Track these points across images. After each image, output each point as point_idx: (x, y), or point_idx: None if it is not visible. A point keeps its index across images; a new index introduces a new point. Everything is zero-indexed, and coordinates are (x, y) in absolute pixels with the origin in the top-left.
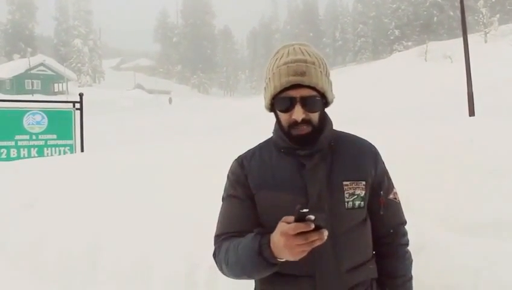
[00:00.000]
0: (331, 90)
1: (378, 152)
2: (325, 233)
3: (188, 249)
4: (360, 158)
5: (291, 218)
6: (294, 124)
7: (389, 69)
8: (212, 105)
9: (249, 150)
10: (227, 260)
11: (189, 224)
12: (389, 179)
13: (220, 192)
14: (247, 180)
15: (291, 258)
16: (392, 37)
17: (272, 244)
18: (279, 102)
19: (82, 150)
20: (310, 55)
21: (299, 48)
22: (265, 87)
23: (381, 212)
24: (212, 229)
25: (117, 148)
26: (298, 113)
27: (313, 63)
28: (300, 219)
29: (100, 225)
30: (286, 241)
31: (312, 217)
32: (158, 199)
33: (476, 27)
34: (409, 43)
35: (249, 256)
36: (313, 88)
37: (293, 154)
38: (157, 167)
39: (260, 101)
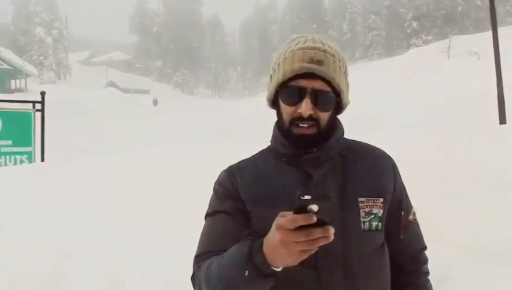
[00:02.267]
0: (348, 93)
1: (395, 165)
2: (331, 231)
3: (160, 274)
4: (376, 171)
5: (290, 212)
6: (299, 119)
7: (405, 67)
8: (198, 108)
9: (241, 160)
10: (208, 276)
11: (162, 247)
12: (407, 196)
13: (200, 211)
14: (238, 193)
15: (289, 262)
16: (409, 30)
17: (265, 249)
18: (285, 91)
19: (42, 160)
20: (330, 47)
21: (319, 39)
22: (271, 75)
23: (402, 236)
24: (188, 253)
25: (85, 158)
26: (306, 107)
27: (333, 55)
28: (301, 209)
29: (60, 250)
30: (283, 237)
31: (315, 207)
32: (128, 221)
33: (507, 19)
34: (429, 37)
35: (235, 264)
36: (328, 83)
37: (296, 163)
38: (129, 182)
39: (255, 103)
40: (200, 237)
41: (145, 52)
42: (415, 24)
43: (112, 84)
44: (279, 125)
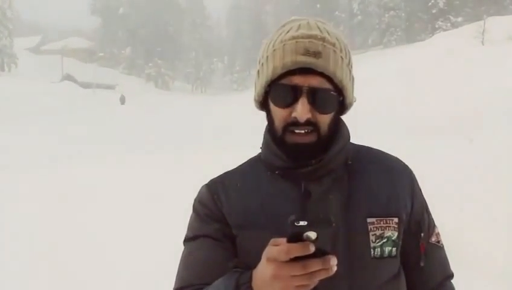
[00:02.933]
0: (353, 89)
1: (414, 176)
2: (333, 261)
3: None
4: (390, 183)
5: (283, 240)
6: (294, 124)
7: (429, 55)
8: (175, 106)
9: (225, 173)
10: None
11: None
12: (429, 213)
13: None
14: (223, 215)
15: None
16: (434, 10)
17: (254, 283)
18: (276, 91)
19: None
20: (329, 34)
21: (316, 23)
22: (258, 71)
23: (422, 263)
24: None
25: (34, 168)
26: (302, 110)
27: (333, 44)
28: (296, 237)
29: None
30: (275, 271)
31: (313, 234)
32: (79, 242)
33: None
34: (459, 19)
35: None
36: (329, 78)
37: (293, 177)
38: (79, 200)
39: (245, 100)
40: (179, 266)
41: (109, 38)
42: (441, 3)
43: (69, 77)
44: (270, 131)
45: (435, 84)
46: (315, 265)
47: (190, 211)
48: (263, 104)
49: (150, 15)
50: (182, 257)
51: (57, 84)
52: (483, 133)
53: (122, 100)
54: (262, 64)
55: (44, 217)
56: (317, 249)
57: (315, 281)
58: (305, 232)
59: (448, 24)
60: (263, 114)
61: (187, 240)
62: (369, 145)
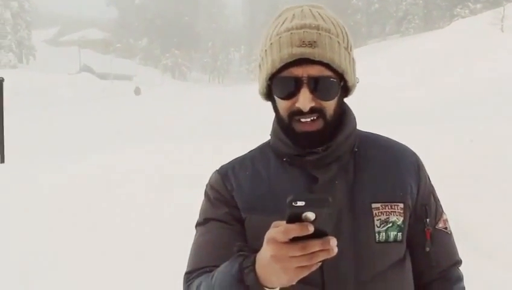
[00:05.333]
0: (354, 71)
1: (421, 162)
2: (333, 242)
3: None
4: (396, 170)
5: (283, 222)
6: (298, 114)
7: (447, 43)
8: (193, 96)
9: (235, 159)
10: None
11: (138, 263)
12: (437, 200)
13: (187, 222)
14: (233, 198)
15: (285, 281)
16: None
17: (257, 266)
18: (277, 84)
19: (2, 161)
20: (324, 20)
21: (309, 10)
22: (260, 64)
23: (427, 249)
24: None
25: (53, 159)
26: (304, 100)
27: (328, 31)
28: (294, 218)
29: (22, 270)
30: (275, 252)
31: (311, 215)
32: (100, 233)
33: None
34: (478, 6)
35: (224, 286)
36: (327, 65)
37: (300, 163)
38: (103, 189)
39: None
40: (191, 250)
41: (126, 29)
42: None
43: (86, 68)
44: (278, 120)
45: (454, 72)
46: (314, 246)
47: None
48: (269, 95)
49: (166, 5)
50: (193, 241)
51: (75, 76)
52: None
53: (137, 92)
54: (262, 58)
55: (80, 206)
56: (316, 230)
57: (315, 262)
58: (303, 212)
59: (467, 11)
60: None
61: (198, 224)
62: (374, 132)
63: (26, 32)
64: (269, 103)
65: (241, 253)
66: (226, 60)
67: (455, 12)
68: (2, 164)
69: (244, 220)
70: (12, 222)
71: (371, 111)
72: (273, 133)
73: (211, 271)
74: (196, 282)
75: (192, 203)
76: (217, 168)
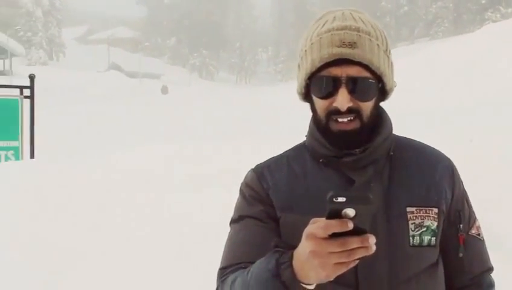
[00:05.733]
0: (392, 74)
1: (455, 167)
2: (371, 240)
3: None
4: (431, 175)
5: (323, 219)
6: (336, 113)
7: (477, 47)
8: (220, 96)
9: (271, 158)
10: None
11: (172, 260)
12: (470, 206)
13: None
14: (269, 197)
15: (323, 277)
16: (483, 1)
17: (295, 262)
18: (316, 83)
19: (32, 156)
20: (364, 23)
21: (350, 14)
22: (299, 64)
23: (460, 254)
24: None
25: (82, 155)
26: (343, 100)
27: (368, 33)
28: (334, 214)
29: (51, 268)
30: (314, 247)
31: (351, 211)
32: (135, 232)
33: None
34: (509, 10)
35: (260, 281)
36: (366, 67)
37: (336, 165)
38: (134, 186)
39: (289, 91)
40: (225, 247)
41: (155, 28)
42: None
43: (115, 66)
44: (315, 120)
45: (484, 77)
46: (353, 242)
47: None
48: (306, 96)
49: (195, 5)
50: (227, 237)
51: (104, 74)
52: None
53: (164, 90)
54: (302, 57)
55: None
56: (355, 227)
57: (353, 259)
58: (343, 209)
59: (498, 15)
60: (308, 104)
61: (233, 222)
62: (408, 137)
63: (56, 30)
64: (297, 105)
65: (277, 249)
66: (254, 60)
67: (486, 16)
68: (32, 159)
69: (279, 218)
70: (40, 216)
71: (398, 115)
72: (310, 134)
73: (245, 267)
74: (231, 277)
75: (223, 202)
76: (252, 168)
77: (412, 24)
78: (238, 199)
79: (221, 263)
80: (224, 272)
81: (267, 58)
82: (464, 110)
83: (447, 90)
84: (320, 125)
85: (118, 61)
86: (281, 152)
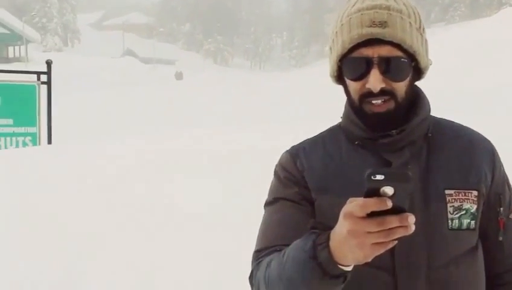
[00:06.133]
0: (426, 52)
1: (495, 150)
2: (411, 219)
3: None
4: (470, 157)
5: (360, 198)
6: (369, 95)
7: (495, 31)
8: (234, 82)
9: (306, 140)
10: (267, 276)
11: (196, 247)
12: (511, 190)
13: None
14: (304, 178)
15: (361, 257)
16: None
17: (332, 242)
18: (348, 65)
19: (49, 142)
20: (395, 1)
21: None
22: (330, 47)
23: (500, 238)
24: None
25: (100, 140)
26: (375, 81)
27: (400, 11)
28: (372, 192)
29: (74, 250)
30: (351, 226)
31: (390, 190)
32: (151, 216)
33: None
34: None
35: (297, 263)
36: (398, 46)
37: (372, 147)
38: (152, 170)
39: (304, 76)
40: (259, 230)
41: (169, 13)
42: None
43: (130, 52)
44: (349, 103)
45: (501, 62)
46: (392, 222)
47: (262, 176)
48: (339, 78)
49: None
50: (262, 220)
51: (118, 59)
52: None
53: (178, 76)
54: (333, 40)
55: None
56: (394, 206)
57: (392, 239)
58: (382, 187)
59: None
60: (323, 89)
61: (267, 204)
62: (447, 118)
63: (71, 16)
64: (311, 91)
65: (314, 230)
66: (268, 46)
67: (503, 0)
68: (50, 145)
69: (315, 200)
70: (57, 201)
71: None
72: (345, 115)
73: (280, 250)
74: (266, 260)
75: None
76: (288, 149)
77: (428, 8)
78: (272, 181)
79: (256, 245)
80: (259, 255)
81: (282, 43)
82: (482, 94)
83: (464, 74)
84: (354, 108)
85: (132, 47)
86: (316, 133)
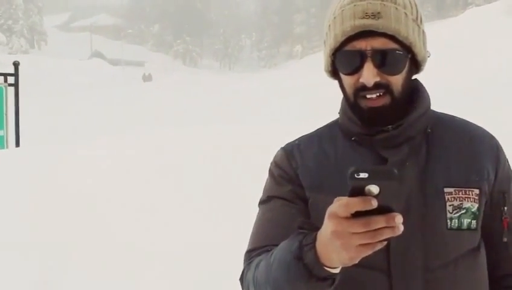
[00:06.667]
0: (424, 44)
1: (500, 146)
2: (398, 219)
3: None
4: (472, 153)
5: (346, 197)
6: (363, 89)
7: (460, 31)
8: (203, 83)
9: (302, 136)
10: (256, 277)
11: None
12: None
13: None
14: (298, 176)
15: (346, 259)
16: None
17: (318, 244)
18: (341, 59)
19: (17, 145)
20: None
21: None
22: (324, 41)
23: (505, 239)
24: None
25: (67, 143)
26: (368, 74)
27: (394, 1)
28: (357, 191)
29: (43, 256)
30: (335, 227)
31: (375, 188)
32: (120, 222)
33: None
34: None
35: (283, 263)
36: (393, 38)
37: (369, 143)
38: (120, 173)
39: (273, 77)
40: (253, 229)
41: (138, 14)
42: None
43: (98, 54)
44: (345, 98)
45: (465, 60)
46: (377, 222)
47: (226, 175)
48: (334, 73)
49: None
50: (256, 219)
51: (86, 62)
52: None
53: (146, 78)
54: (326, 33)
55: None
56: (380, 205)
57: (378, 240)
58: (366, 185)
59: None
60: (291, 91)
61: (261, 203)
62: (452, 114)
63: (37, 18)
64: (279, 93)
65: (302, 230)
66: (237, 46)
67: (469, 1)
68: (18, 148)
69: (308, 199)
70: (26, 205)
71: None
72: (342, 111)
73: (271, 250)
74: (256, 261)
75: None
76: (283, 146)
77: None
78: (267, 179)
79: (248, 245)
80: (250, 255)
81: (251, 44)
82: (447, 93)
83: (429, 74)
84: (350, 103)
85: (100, 49)
86: (314, 129)
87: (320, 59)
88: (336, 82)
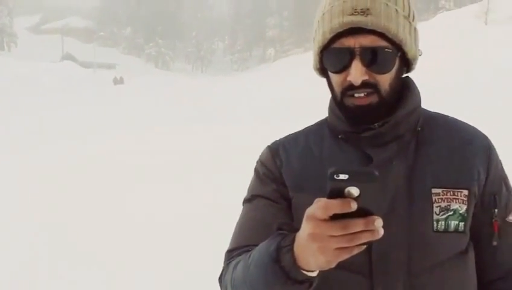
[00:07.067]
0: (416, 42)
1: (492, 146)
2: (378, 223)
3: None
4: (463, 154)
5: (324, 199)
6: (351, 88)
7: (431, 35)
8: (175, 86)
9: (289, 134)
10: (233, 278)
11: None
12: (510, 191)
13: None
14: (281, 175)
15: (323, 263)
16: None
17: (296, 246)
18: (328, 56)
19: None
20: None
21: None
22: (313, 38)
23: (494, 243)
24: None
25: (39, 146)
26: (356, 73)
27: None
28: (337, 193)
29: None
30: (313, 230)
31: (355, 190)
32: (80, 234)
33: None
34: None
35: (260, 265)
36: (383, 35)
37: (356, 141)
38: (87, 182)
39: (245, 80)
40: (235, 228)
41: (110, 17)
42: None
43: (69, 56)
44: (333, 96)
45: (436, 63)
46: (356, 225)
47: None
48: (323, 71)
49: None
50: (239, 217)
51: (57, 64)
52: None
53: (117, 81)
54: (315, 30)
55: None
56: (360, 208)
57: (357, 243)
58: (346, 187)
59: (451, 4)
60: (264, 93)
61: (245, 201)
62: (445, 114)
63: (7, 19)
64: (251, 95)
65: (281, 231)
66: (210, 49)
67: (440, 5)
68: None
69: (292, 198)
70: None
71: None
72: (330, 109)
73: (251, 250)
74: (235, 261)
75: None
76: (269, 144)
77: None
78: (252, 178)
79: (229, 245)
80: (231, 255)
81: (224, 47)
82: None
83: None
84: (337, 101)
85: (72, 52)
86: (302, 128)
87: (292, 62)
88: (307, 86)
